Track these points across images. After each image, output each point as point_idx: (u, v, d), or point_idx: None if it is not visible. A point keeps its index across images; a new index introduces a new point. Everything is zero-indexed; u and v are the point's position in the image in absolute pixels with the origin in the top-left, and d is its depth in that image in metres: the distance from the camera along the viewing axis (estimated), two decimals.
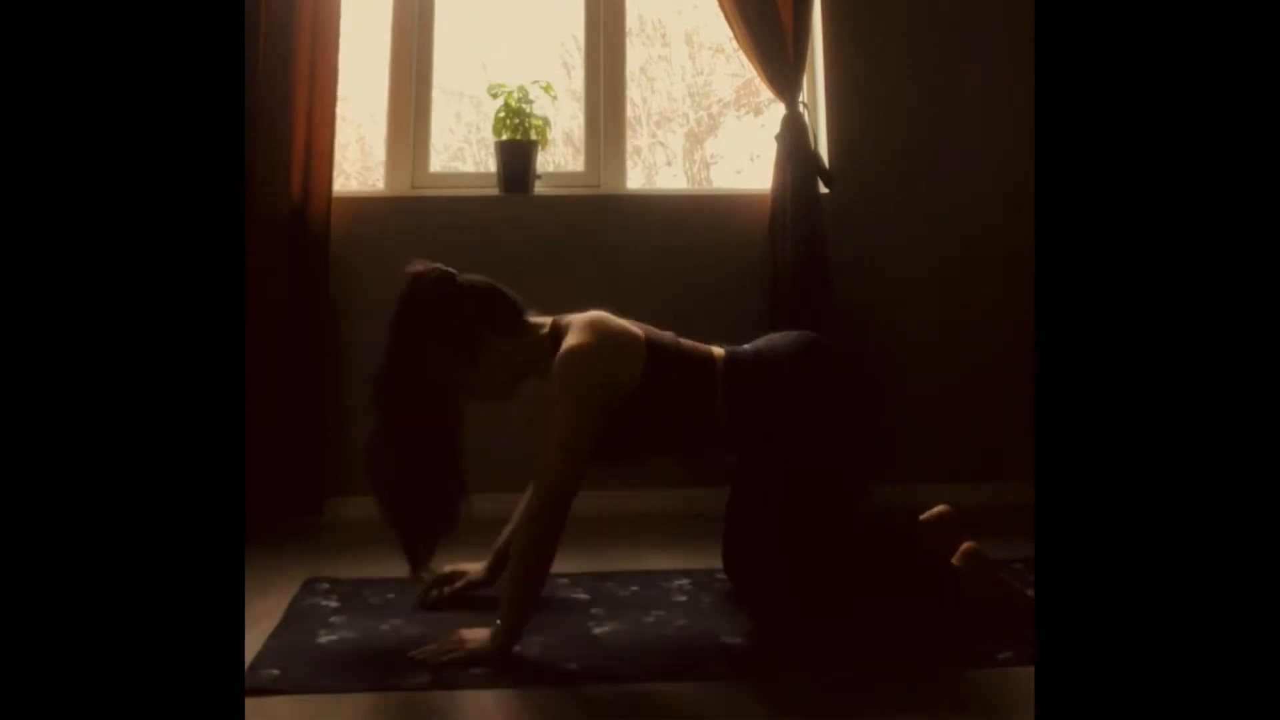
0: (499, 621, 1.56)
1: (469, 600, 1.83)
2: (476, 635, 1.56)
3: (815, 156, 2.69)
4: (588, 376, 1.60)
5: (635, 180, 2.95)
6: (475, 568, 1.89)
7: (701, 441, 1.76)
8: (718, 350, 1.77)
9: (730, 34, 2.72)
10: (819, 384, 1.71)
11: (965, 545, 1.79)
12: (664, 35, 3.22)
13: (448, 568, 1.87)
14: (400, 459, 1.62)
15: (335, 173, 2.61)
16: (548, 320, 1.73)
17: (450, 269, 1.68)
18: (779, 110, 2.69)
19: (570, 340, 1.62)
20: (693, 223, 2.71)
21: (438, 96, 2.86)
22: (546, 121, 2.74)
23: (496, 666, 1.50)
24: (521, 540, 1.57)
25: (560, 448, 1.56)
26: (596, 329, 1.64)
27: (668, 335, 1.75)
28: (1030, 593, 1.76)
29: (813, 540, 1.67)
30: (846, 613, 1.68)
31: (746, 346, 1.78)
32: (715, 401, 1.70)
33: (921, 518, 1.95)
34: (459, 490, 1.66)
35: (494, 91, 2.71)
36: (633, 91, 2.96)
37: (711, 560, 1.86)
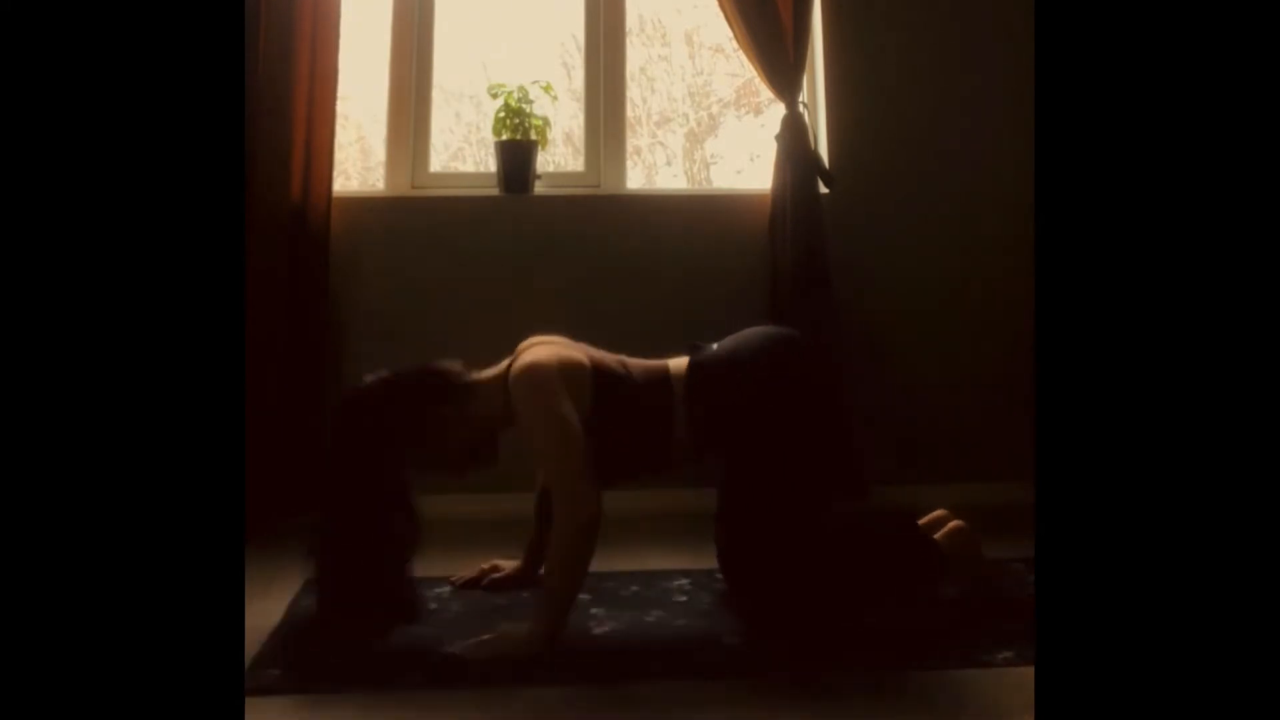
0: (536, 619, 1.57)
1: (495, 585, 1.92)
2: (519, 631, 1.57)
3: (815, 156, 2.69)
4: (546, 387, 1.60)
5: (635, 180, 2.95)
6: (512, 564, 1.95)
7: (661, 463, 1.77)
8: (675, 365, 1.78)
9: (730, 34, 2.72)
10: (792, 382, 1.72)
11: (952, 524, 1.78)
12: (664, 35, 3.22)
13: (485, 564, 1.95)
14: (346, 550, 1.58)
15: (335, 173, 2.61)
16: (503, 364, 1.73)
17: (381, 377, 1.66)
18: (779, 110, 2.69)
19: (520, 362, 1.65)
20: (693, 223, 2.71)
21: (438, 96, 2.87)
22: (546, 121, 2.74)
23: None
24: (563, 557, 1.56)
25: (564, 475, 1.58)
26: (544, 349, 1.67)
27: (614, 360, 1.75)
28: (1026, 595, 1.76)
29: (803, 535, 1.68)
30: (843, 606, 1.69)
31: (715, 347, 1.78)
32: (673, 422, 1.72)
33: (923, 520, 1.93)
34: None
35: (494, 91, 2.71)
36: (633, 91, 2.96)
37: (711, 560, 1.86)
